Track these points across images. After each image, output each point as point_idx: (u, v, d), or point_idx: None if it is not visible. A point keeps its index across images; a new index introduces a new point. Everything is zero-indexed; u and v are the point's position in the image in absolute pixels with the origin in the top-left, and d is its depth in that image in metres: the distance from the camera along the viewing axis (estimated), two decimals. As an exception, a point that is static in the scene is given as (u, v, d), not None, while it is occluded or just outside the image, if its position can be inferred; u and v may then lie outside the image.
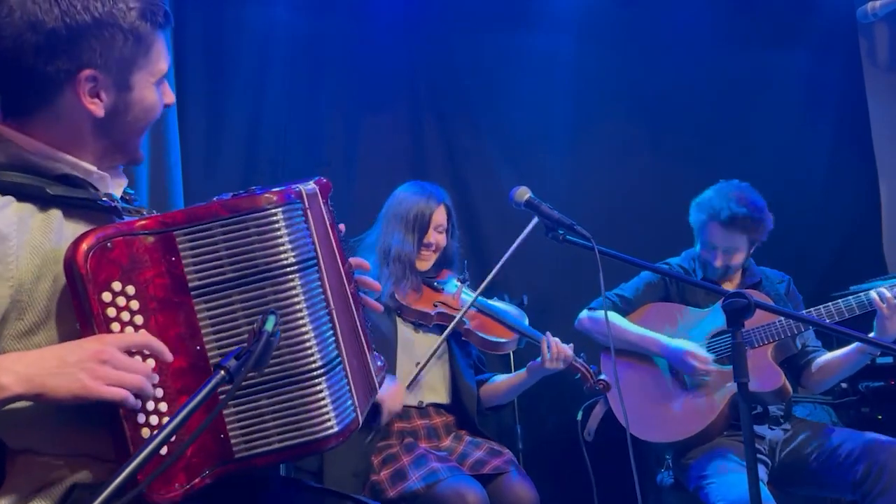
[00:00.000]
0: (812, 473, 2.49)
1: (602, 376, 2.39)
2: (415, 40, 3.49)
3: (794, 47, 3.90)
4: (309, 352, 1.22)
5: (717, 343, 2.67)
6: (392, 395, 2.30)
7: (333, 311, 1.31)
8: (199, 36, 3.10)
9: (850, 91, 3.98)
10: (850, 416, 3.07)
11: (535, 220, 1.99)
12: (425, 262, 2.52)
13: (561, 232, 1.88)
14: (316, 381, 1.22)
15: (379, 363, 1.56)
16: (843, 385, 3.13)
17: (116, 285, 1.14)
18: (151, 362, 1.14)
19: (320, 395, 1.22)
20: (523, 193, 1.98)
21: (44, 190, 1.18)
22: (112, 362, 1.08)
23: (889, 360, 3.08)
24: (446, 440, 2.41)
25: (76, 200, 1.21)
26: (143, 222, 1.19)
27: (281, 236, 1.20)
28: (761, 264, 2.90)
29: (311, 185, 1.38)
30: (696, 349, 2.59)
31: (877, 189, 3.96)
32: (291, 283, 1.21)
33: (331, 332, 1.29)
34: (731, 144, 3.74)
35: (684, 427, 2.62)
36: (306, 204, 1.28)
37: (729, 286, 2.74)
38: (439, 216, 2.51)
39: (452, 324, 2.38)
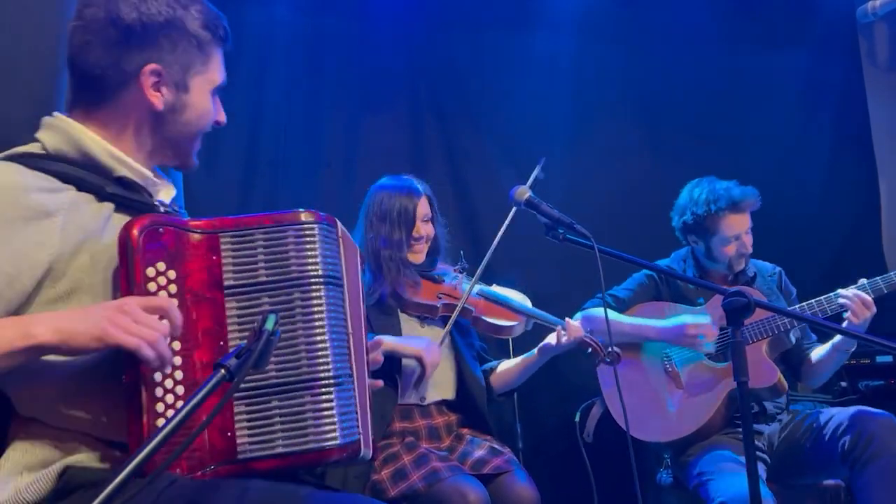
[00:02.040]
0: (806, 455, 2.50)
1: (612, 348, 2.39)
2: (415, 40, 3.49)
3: (794, 47, 3.90)
4: (324, 360, 1.29)
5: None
6: (429, 348, 2.33)
7: (350, 334, 1.39)
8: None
9: (849, 91, 3.99)
10: (850, 416, 3.07)
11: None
12: (419, 255, 2.53)
13: (561, 231, 1.88)
14: (327, 390, 1.29)
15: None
16: (843, 384, 3.14)
17: (161, 265, 1.24)
18: (167, 323, 1.20)
19: (329, 405, 1.28)
20: (523, 193, 1.98)
21: (103, 188, 1.31)
22: (132, 315, 1.15)
23: (889, 359, 3.09)
24: (447, 440, 2.40)
25: (131, 201, 1.34)
26: (194, 222, 1.30)
27: (315, 249, 1.31)
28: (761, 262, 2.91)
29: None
30: (693, 320, 2.59)
31: (877, 189, 3.96)
32: (317, 294, 1.30)
33: (345, 349, 1.36)
34: (730, 144, 3.74)
35: (680, 426, 2.63)
36: (340, 231, 1.40)
37: (722, 281, 2.76)
38: (423, 208, 2.51)
39: (456, 311, 2.39)
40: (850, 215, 3.89)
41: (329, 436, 1.27)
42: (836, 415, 2.45)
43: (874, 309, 2.46)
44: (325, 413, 1.28)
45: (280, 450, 1.25)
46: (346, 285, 1.39)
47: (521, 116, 3.57)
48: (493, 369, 2.60)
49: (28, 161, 1.28)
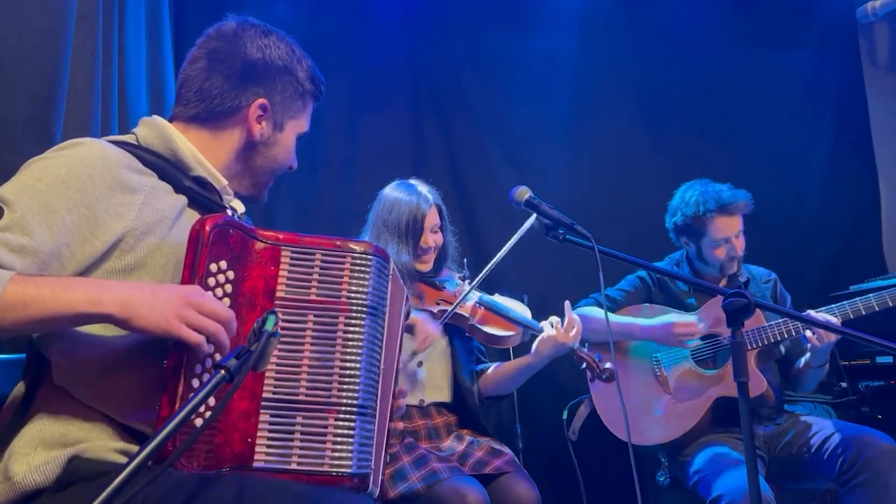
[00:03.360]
0: (804, 464, 2.49)
1: (607, 365, 2.39)
2: (415, 40, 3.49)
3: (794, 47, 3.91)
4: (353, 387, 1.33)
5: (701, 346, 2.67)
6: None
7: (381, 371, 1.41)
8: (200, 36, 3.10)
9: (850, 91, 3.99)
10: (850, 416, 3.07)
11: (534, 216, 1.99)
12: (426, 264, 2.50)
13: (561, 231, 1.88)
14: (350, 417, 1.31)
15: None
16: (843, 384, 3.14)
17: (222, 264, 1.29)
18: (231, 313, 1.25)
19: (349, 432, 1.31)
20: (523, 193, 1.97)
21: (181, 181, 1.42)
22: (197, 307, 1.20)
23: (889, 359, 3.08)
24: (447, 440, 2.40)
25: (203, 199, 1.45)
26: (262, 232, 1.35)
27: (367, 278, 1.37)
28: (760, 264, 2.90)
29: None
30: (679, 319, 2.60)
31: (877, 189, 3.96)
32: (359, 321, 1.35)
33: (375, 382, 1.38)
34: (730, 144, 3.75)
35: (665, 431, 2.63)
36: (392, 270, 1.46)
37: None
38: (432, 218, 2.48)
39: (449, 311, 2.37)
40: (850, 215, 3.89)
41: (343, 462, 1.29)
42: (843, 429, 2.44)
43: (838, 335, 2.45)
44: (344, 439, 1.30)
45: (294, 466, 1.27)
46: (387, 322, 1.43)
47: (521, 116, 3.57)
48: (483, 371, 2.58)
49: (121, 144, 1.39)
